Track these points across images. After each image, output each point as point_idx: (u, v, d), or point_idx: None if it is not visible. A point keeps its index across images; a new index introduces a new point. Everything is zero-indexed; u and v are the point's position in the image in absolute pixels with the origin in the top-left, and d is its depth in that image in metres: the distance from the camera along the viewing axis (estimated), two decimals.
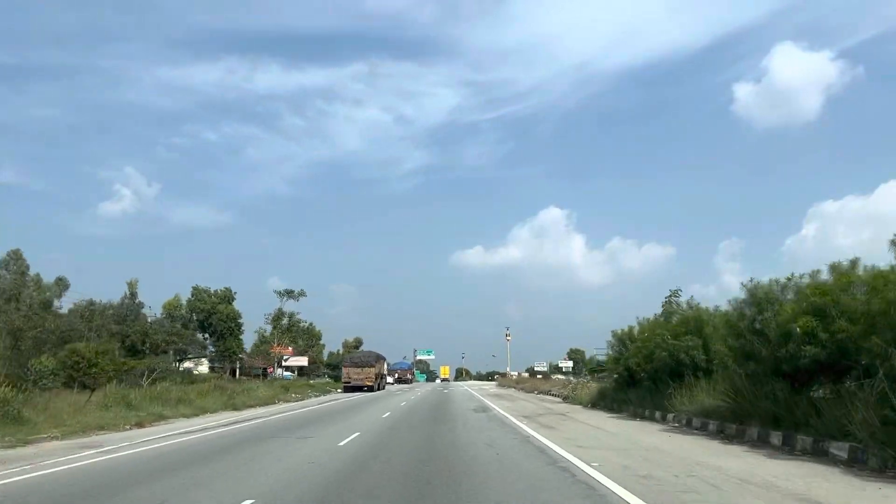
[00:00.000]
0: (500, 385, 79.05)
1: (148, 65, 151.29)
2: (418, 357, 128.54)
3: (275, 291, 71.00)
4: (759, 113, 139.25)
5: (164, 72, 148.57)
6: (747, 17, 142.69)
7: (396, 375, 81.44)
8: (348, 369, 57.69)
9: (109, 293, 63.64)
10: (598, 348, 35.86)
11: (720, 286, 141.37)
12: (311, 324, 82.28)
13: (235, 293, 74.10)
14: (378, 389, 58.46)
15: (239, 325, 72.53)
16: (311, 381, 66.43)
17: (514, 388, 64.15)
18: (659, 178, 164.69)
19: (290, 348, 70.99)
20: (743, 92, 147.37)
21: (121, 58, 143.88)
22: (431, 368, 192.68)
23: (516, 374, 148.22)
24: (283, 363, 71.49)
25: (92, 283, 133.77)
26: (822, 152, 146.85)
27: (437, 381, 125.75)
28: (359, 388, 54.63)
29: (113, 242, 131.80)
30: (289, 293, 69.58)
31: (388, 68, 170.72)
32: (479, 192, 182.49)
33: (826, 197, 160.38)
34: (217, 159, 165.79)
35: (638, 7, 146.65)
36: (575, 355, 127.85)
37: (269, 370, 68.31)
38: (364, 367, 57.35)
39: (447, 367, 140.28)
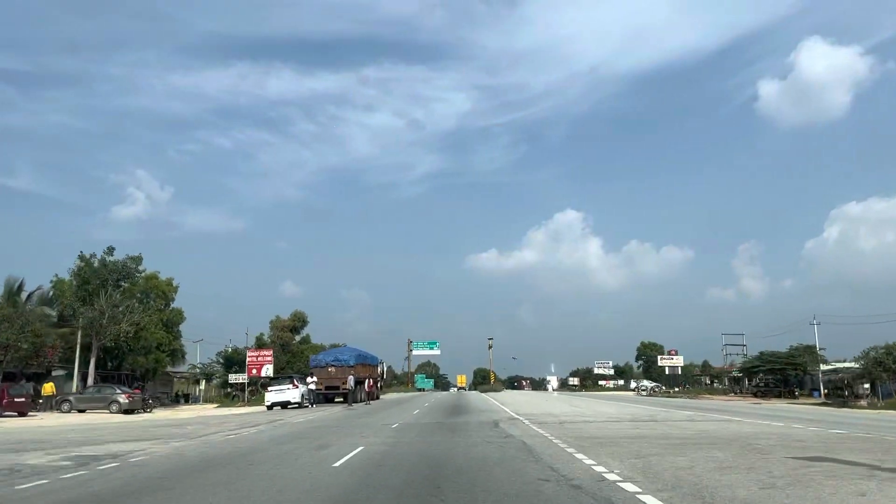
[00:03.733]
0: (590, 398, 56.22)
1: (161, 71, 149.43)
2: (414, 351, 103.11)
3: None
4: (783, 111, 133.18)
5: (176, 78, 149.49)
6: (769, 15, 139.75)
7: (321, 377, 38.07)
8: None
9: None
10: None
11: (739, 290, 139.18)
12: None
13: None
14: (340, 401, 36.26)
15: None
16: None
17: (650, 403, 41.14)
18: (676, 181, 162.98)
19: None
20: (767, 89, 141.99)
21: (134, 65, 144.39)
22: (442, 374, 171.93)
23: (555, 379, 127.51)
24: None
25: None
26: (846, 152, 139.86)
27: (453, 389, 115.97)
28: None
29: (127, 246, 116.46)
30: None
31: (399, 73, 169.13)
32: (492, 196, 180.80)
33: (849, 198, 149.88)
34: (229, 165, 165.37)
35: (650, 9, 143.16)
36: (649, 351, 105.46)
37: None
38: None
39: (464, 376, 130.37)
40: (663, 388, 61.33)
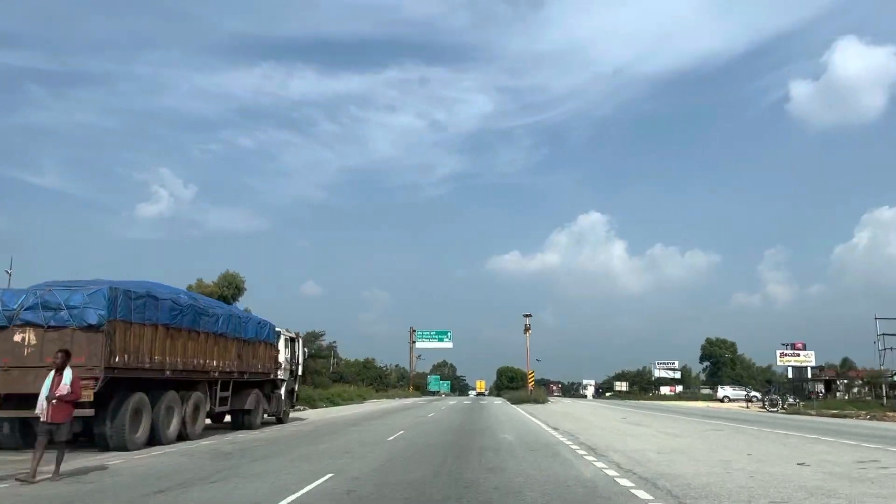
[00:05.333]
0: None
1: (186, 71, 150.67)
2: (420, 343, 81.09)
3: None
4: (815, 113, 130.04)
5: (200, 78, 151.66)
6: (801, 15, 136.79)
7: None
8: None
9: None
10: None
11: (765, 296, 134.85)
12: None
13: None
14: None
15: None
16: None
17: None
18: (701, 184, 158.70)
19: None
20: (799, 91, 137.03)
21: (159, 65, 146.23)
22: (460, 375, 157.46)
23: (592, 384, 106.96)
24: None
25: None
26: (880, 155, 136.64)
27: (472, 393, 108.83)
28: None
29: (151, 245, 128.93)
30: None
31: (422, 74, 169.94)
32: (514, 197, 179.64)
33: (881, 203, 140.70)
34: (252, 165, 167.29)
35: (676, 11, 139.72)
36: (716, 348, 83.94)
37: None
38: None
39: (483, 382, 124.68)
40: (791, 399, 39.45)
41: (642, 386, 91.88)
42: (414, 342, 78.73)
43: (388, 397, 61.98)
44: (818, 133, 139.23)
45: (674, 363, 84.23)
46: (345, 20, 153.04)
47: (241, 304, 44.83)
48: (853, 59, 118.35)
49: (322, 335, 62.31)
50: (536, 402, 42.15)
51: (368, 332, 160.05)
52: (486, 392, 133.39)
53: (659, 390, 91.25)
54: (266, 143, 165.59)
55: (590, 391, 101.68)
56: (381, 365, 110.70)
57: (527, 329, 51.36)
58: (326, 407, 36.85)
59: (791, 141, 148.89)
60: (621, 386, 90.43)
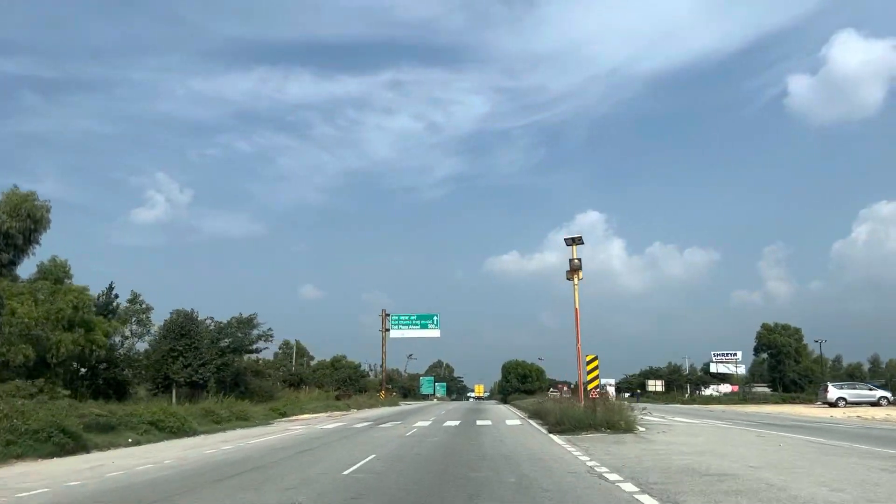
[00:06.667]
0: None
1: (183, 76, 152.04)
2: (397, 331, 60.59)
3: None
4: (813, 108, 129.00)
5: (197, 83, 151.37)
6: (799, 10, 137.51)
7: None
8: None
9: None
10: None
11: (765, 293, 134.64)
12: None
13: None
14: None
15: None
16: None
17: None
18: (699, 181, 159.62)
19: None
20: (797, 85, 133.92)
21: (156, 70, 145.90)
22: (457, 376, 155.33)
23: (612, 383, 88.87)
24: None
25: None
26: (879, 149, 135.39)
27: (471, 396, 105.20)
28: None
29: (149, 252, 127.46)
30: None
31: (418, 76, 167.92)
32: (512, 198, 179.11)
33: (880, 197, 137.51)
34: (250, 169, 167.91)
35: (672, 10, 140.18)
36: (777, 336, 63.84)
37: None
38: None
39: (481, 386, 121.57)
40: None
41: (678, 384, 73.50)
42: (387, 330, 59.51)
43: (343, 408, 43.26)
44: (817, 128, 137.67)
45: (735, 354, 65.48)
46: (340, 23, 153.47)
47: (44, 243, 26.30)
48: (852, 53, 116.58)
49: (254, 319, 43.24)
50: (612, 426, 17.18)
51: (366, 335, 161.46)
52: (487, 394, 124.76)
53: (700, 390, 72.76)
54: (264, 146, 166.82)
55: (611, 391, 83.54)
56: (366, 365, 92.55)
57: (574, 272, 21.40)
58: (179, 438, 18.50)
59: (789, 137, 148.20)
60: (655, 385, 71.94)
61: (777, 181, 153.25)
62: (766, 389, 69.23)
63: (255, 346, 46.64)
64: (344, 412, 38.19)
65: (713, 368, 65.26)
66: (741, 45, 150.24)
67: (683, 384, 73.16)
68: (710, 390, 71.74)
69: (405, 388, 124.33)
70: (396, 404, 57.31)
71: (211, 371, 39.34)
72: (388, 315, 59.01)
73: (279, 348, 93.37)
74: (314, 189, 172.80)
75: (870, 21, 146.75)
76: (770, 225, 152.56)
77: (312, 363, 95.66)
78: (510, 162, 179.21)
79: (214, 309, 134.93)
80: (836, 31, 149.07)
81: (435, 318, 58.97)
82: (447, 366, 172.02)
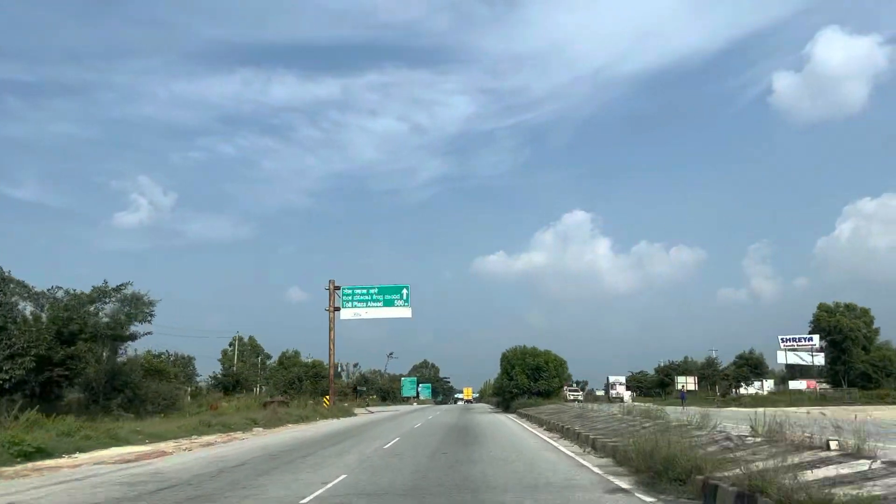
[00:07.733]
0: None
1: (164, 79, 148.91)
2: (344, 309, 44.00)
3: None
4: (797, 106, 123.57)
5: (179, 86, 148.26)
6: (782, 8, 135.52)
7: None
8: None
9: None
10: None
11: (751, 291, 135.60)
12: None
13: None
14: None
15: None
16: None
17: None
18: (684, 180, 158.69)
19: None
20: (782, 83, 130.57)
21: (137, 73, 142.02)
22: (443, 377, 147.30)
23: (622, 381, 75.13)
24: None
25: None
26: (862, 146, 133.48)
27: (460, 402, 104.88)
28: None
29: (134, 256, 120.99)
30: None
31: (402, 77, 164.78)
32: (498, 198, 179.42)
33: (863, 194, 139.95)
34: (234, 172, 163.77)
35: (655, 10, 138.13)
36: (840, 318, 49.21)
37: None
38: None
39: (469, 389, 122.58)
40: None
41: (713, 381, 59.06)
42: (337, 308, 43.72)
43: (242, 426, 28.00)
44: (801, 125, 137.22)
45: (811, 339, 50.51)
46: (324, 25, 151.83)
47: None
48: (836, 50, 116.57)
49: (126, 287, 27.91)
50: None
51: (353, 337, 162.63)
52: (477, 395, 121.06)
53: (739, 388, 58.37)
54: (248, 149, 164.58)
55: (624, 393, 69.50)
56: (339, 365, 78.80)
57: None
58: None
59: (773, 134, 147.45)
60: (685, 383, 57.49)
61: (761, 178, 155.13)
62: (825, 385, 55.12)
63: (129, 332, 31.58)
64: (228, 434, 23.08)
65: (780, 358, 50.48)
66: (725, 43, 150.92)
67: (719, 380, 58.79)
68: (751, 388, 57.49)
69: (384, 391, 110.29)
70: (350, 414, 42.11)
71: (28, 366, 24.15)
72: (339, 288, 43.42)
73: (229, 345, 79.50)
74: (299, 192, 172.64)
75: (853, 18, 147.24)
76: (754, 222, 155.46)
77: (269, 362, 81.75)
78: (496, 163, 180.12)
79: (210, 311, 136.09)
80: (821, 28, 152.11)
81: (403, 291, 42.95)
82: (433, 366, 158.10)
